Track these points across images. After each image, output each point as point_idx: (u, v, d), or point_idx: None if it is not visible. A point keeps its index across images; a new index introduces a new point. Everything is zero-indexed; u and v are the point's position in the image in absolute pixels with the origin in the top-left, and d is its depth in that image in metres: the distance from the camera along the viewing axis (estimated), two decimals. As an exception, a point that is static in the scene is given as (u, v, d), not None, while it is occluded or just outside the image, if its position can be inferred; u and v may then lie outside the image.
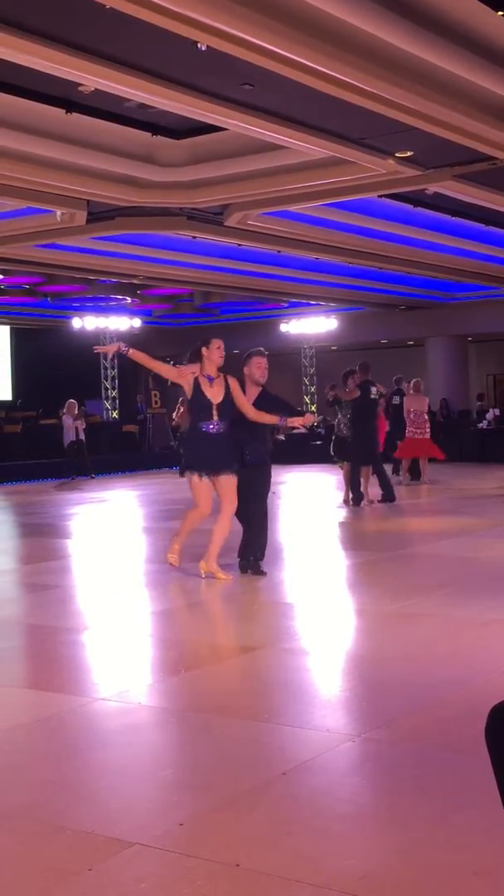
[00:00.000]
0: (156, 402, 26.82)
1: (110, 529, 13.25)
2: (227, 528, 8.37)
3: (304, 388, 30.23)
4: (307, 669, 5.67)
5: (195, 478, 8.42)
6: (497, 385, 30.91)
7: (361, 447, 14.15)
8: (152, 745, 4.48)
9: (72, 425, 21.56)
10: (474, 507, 13.68)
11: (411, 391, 17.81)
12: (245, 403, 8.46)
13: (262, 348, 9.27)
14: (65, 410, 21.86)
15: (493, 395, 30.01)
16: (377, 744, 4.23)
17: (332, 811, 3.54)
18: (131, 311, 26.32)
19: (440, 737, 4.28)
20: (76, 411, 21.79)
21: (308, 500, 16.50)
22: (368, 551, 10.09)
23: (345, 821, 3.47)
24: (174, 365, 9.18)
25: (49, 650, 6.28)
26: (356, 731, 4.37)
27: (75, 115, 10.07)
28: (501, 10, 7.90)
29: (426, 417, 17.58)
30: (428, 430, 17.56)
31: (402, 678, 5.34)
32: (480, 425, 24.41)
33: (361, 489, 14.16)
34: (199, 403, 8.36)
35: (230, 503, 8.32)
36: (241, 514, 8.59)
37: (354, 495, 14.13)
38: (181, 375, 8.54)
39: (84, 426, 21.91)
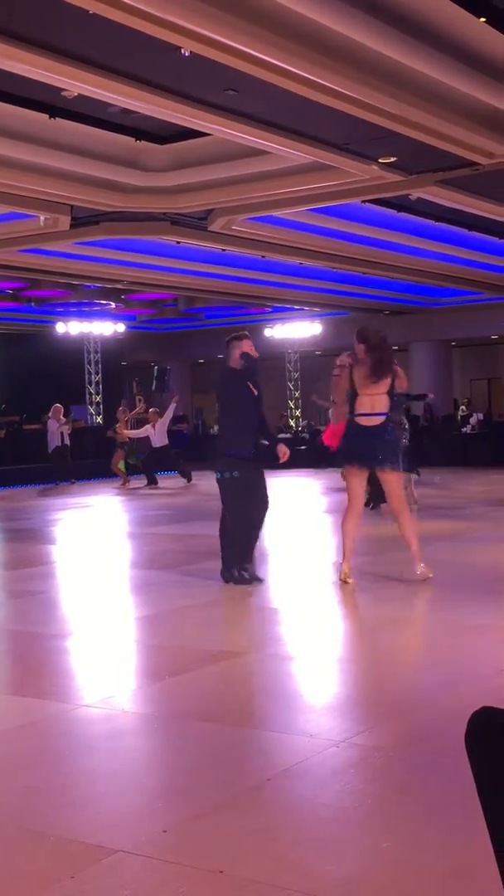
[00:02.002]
0: (140, 407, 26.78)
1: (94, 535, 13.22)
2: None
3: (288, 392, 30.25)
4: (292, 675, 5.67)
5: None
6: (473, 388, 31.00)
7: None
8: (136, 752, 4.47)
9: (57, 430, 21.48)
10: (459, 512, 13.71)
11: None
12: None
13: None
14: (50, 415, 21.77)
15: (485, 399, 30.11)
16: (361, 749, 4.23)
17: (316, 817, 3.54)
18: (115, 316, 26.31)
19: (424, 741, 4.28)
20: (62, 416, 21.71)
21: (294, 505, 16.49)
22: (353, 556, 10.08)
23: (329, 826, 3.47)
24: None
25: (33, 656, 6.26)
26: (340, 737, 4.36)
27: (59, 119, 10.07)
28: (484, 17, 7.95)
29: None
30: None
31: (387, 683, 5.34)
32: (464, 429, 24.49)
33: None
34: None
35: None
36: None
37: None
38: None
39: (70, 430, 21.84)
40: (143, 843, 3.34)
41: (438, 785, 3.72)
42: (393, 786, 3.81)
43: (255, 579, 8.24)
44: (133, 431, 20.93)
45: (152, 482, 20.43)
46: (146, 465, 20.76)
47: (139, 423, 21.68)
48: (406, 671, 5.61)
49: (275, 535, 12.90)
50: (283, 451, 8.43)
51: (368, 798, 3.72)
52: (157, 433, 20.42)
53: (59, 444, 21.53)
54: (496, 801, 1.29)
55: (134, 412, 22.02)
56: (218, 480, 8.25)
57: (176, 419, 24.10)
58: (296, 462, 25.94)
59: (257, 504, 8.22)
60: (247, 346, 8.23)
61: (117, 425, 21.27)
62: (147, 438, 20.69)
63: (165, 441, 20.55)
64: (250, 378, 8.22)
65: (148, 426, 20.60)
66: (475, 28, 8.15)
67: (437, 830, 3.35)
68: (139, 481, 20.88)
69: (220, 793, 3.79)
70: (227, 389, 8.25)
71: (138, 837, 3.39)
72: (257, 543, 8.54)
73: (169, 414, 20.70)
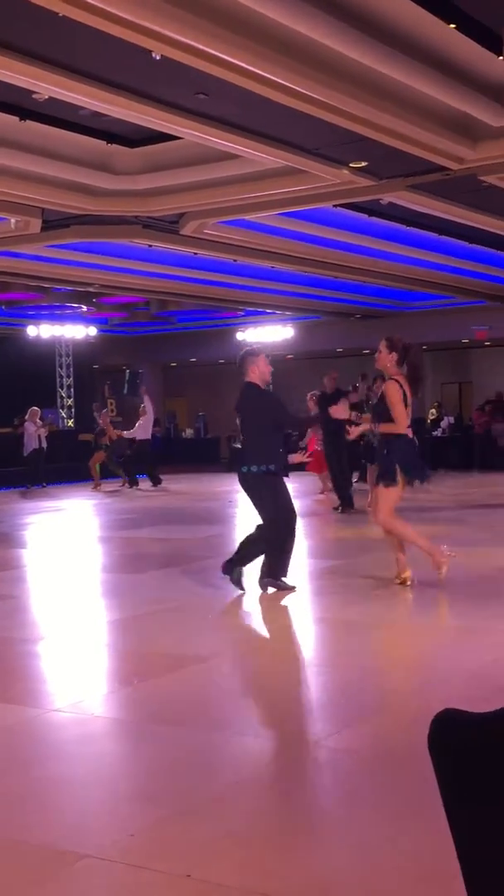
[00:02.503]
0: (112, 411, 26.71)
1: (66, 539, 13.17)
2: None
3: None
4: (263, 678, 5.67)
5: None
6: (444, 391, 31.13)
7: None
8: (105, 756, 4.46)
9: (35, 433, 21.39)
10: (433, 515, 13.76)
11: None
12: None
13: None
14: (27, 417, 21.67)
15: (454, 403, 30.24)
16: (331, 752, 4.24)
17: (284, 820, 3.55)
18: (87, 320, 26.23)
19: (394, 744, 4.29)
20: (38, 419, 21.64)
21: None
22: (328, 559, 10.12)
23: (297, 829, 3.47)
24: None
25: (3, 661, 6.23)
26: (312, 739, 4.37)
27: (29, 122, 10.03)
28: (454, 24, 8.00)
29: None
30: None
31: (359, 685, 5.36)
32: (435, 433, 24.59)
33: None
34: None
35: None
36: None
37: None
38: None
39: (46, 433, 21.77)
40: (111, 848, 3.33)
41: (407, 787, 3.73)
42: (363, 788, 3.83)
43: (288, 587, 8.03)
44: (128, 431, 21.10)
45: (134, 483, 20.68)
46: (128, 463, 21.00)
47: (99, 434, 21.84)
48: (379, 674, 5.63)
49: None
50: (296, 458, 8.58)
51: (339, 801, 3.73)
52: (143, 426, 20.77)
53: (37, 446, 21.45)
54: (457, 802, 1.30)
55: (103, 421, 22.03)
56: (248, 475, 8.00)
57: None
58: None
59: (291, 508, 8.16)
60: (262, 363, 8.17)
61: (105, 426, 21.36)
62: (125, 439, 20.94)
63: (148, 435, 20.88)
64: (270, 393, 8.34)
65: (138, 422, 20.88)
66: (445, 34, 8.20)
67: (406, 832, 3.36)
68: (111, 485, 20.86)
69: (188, 796, 3.79)
70: (252, 404, 8.14)
71: (105, 842, 3.39)
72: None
73: (150, 406, 20.97)
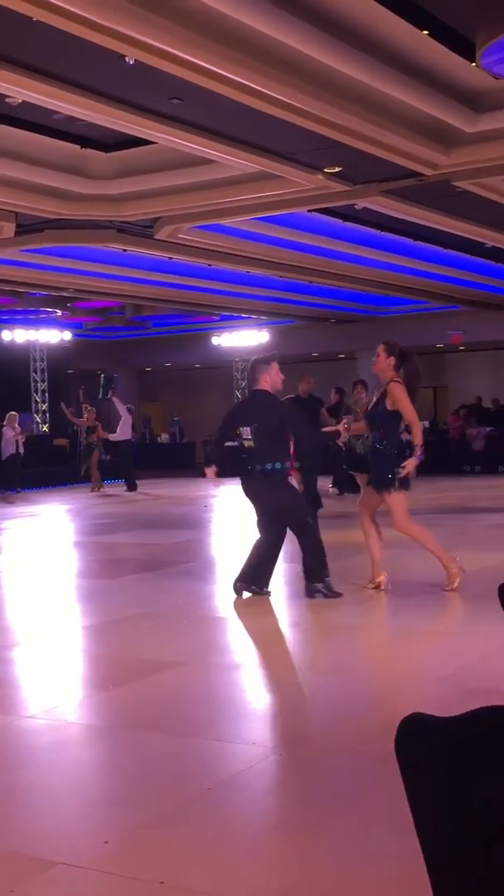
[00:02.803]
0: (88, 415, 26.65)
1: (42, 544, 13.12)
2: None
3: (235, 400, 30.27)
4: (236, 684, 5.66)
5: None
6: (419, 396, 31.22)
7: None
8: (79, 763, 4.44)
9: (12, 438, 21.32)
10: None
11: None
12: None
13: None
14: (5, 423, 21.60)
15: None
16: (303, 757, 4.24)
17: (256, 825, 3.54)
18: (62, 324, 26.15)
19: (365, 748, 4.29)
20: (16, 423, 21.56)
21: (241, 514, 16.51)
22: (298, 564, 10.11)
23: (269, 835, 3.47)
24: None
25: (-25, 667, 6.19)
26: (282, 745, 4.37)
27: (3, 126, 10.00)
28: (427, 30, 8.04)
29: None
30: None
31: (330, 691, 5.36)
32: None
33: None
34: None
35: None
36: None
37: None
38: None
39: (24, 439, 21.71)
40: (84, 855, 3.31)
41: (377, 792, 3.73)
42: (333, 793, 3.83)
43: (334, 593, 7.86)
44: (112, 435, 21.17)
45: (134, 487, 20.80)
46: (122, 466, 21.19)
47: (89, 433, 21.83)
48: (350, 679, 5.63)
49: (222, 544, 12.91)
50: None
51: (312, 806, 3.73)
52: (123, 428, 20.97)
53: (14, 451, 21.36)
54: (423, 806, 1.30)
55: (82, 421, 22.01)
56: (267, 473, 7.91)
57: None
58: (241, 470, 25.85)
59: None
60: (274, 371, 8.09)
61: (90, 426, 21.43)
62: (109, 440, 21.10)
63: (128, 436, 21.10)
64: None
65: (121, 422, 21.01)
66: (419, 41, 8.24)
67: (376, 838, 3.37)
68: (112, 487, 20.97)
69: (161, 803, 3.77)
70: (269, 412, 8.04)
71: (79, 849, 3.37)
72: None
73: (121, 409, 21.07)
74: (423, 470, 22.03)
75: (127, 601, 8.19)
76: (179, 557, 10.65)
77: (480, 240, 16.10)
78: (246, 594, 7.97)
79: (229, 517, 16.18)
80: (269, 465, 7.86)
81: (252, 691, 5.55)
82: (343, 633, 6.97)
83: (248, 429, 7.95)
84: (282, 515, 8.03)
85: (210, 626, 7.27)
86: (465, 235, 15.65)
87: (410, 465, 7.75)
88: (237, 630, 7.16)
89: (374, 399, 8.09)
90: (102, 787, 4.09)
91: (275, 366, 8.10)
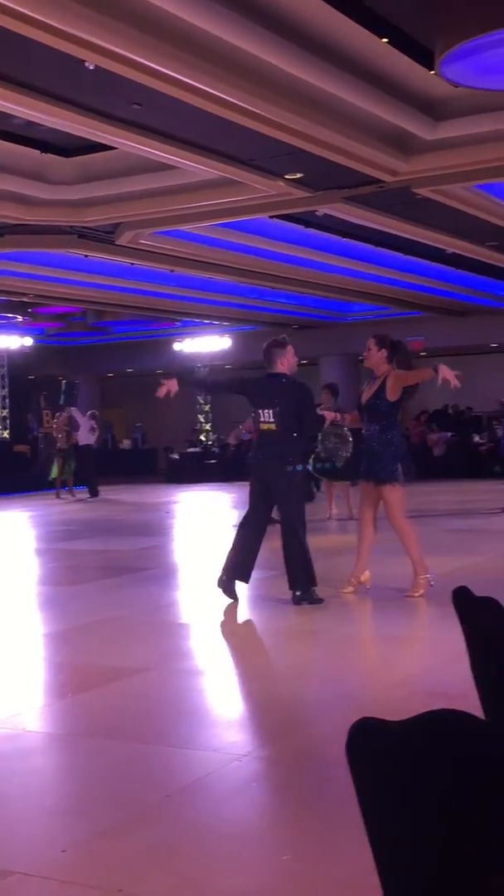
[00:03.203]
0: (47, 422, 26.55)
1: (1, 551, 13.02)
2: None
3: (198, 406, 30.26)
4: (197, 690, 5.65)
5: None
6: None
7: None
8: (37, 771, 4.41)
9: None
10: (339, 527, 13.84)
11: None
12: None
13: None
14: None
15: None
16: (263, 762, 4.24)
17: (216, 832, 3.53)
18: (22, 330, 26.03)
19: (325, 753, 4.30)
20: None
21: (206, 519, 16.49)
22: (264, 569, 10.12)
23: (229, 841, 3.46)
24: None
25: None
26: (243, 751, 4.37)
27: (-38, 131, 9.95)
28: (386, 38, 8.09)
29: None
30: None
31: (292, 695, 5.37)
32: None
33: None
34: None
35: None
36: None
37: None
38: None
39: None
40: (42, 864, 3.29)
41: (337, 796, 3.73)
42: (293, 798, 3.83)
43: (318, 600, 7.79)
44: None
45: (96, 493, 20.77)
46: (84, 471, 21.10)
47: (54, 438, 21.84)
48: (311, 683, 5.64)
49: (184, 550, 12.89)
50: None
51: (269, 811, 3.73)
52: (83, 433, 21.03)
53: None
54: (373, 811, 1.31)
55: (58, 426, 21.92)
56: (288, 474, 7.74)
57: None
58: (206, 476, 26.00)
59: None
60: (290, 354, 7.96)
61: (62, 432, 21.37)
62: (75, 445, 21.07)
63: (90, 441, 21.13)
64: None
65: (80, 429, 20.98)
66: (378, 49, 8.30)
67: (335, 842, 3.37)
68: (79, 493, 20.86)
69: (120, 810, 3.76)
70: (294, 394, 7.91)
71: (36, 858, 3.34)
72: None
73: (77, 415, 21.07)
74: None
75: (88, 608, 8.15)
76: (141, 563, 10.62)
77: (441, 246, 16.23)
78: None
79: (191, 523, 16.15)
80: (290, 452, 7.74)
81: (214, 697, 5.54)
82: (307, 637, 6.98)
83: (270, 412, 7.83)
84: (285, 511, 7.84)
85: (172, 632, 7.25)
86: (426, 242, 15.76)
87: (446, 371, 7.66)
88: (200, 636, 7.14)
89: (373, 391, 7.96)
90: (61, 796, 4.07)
91: (290, 348, 8.00)
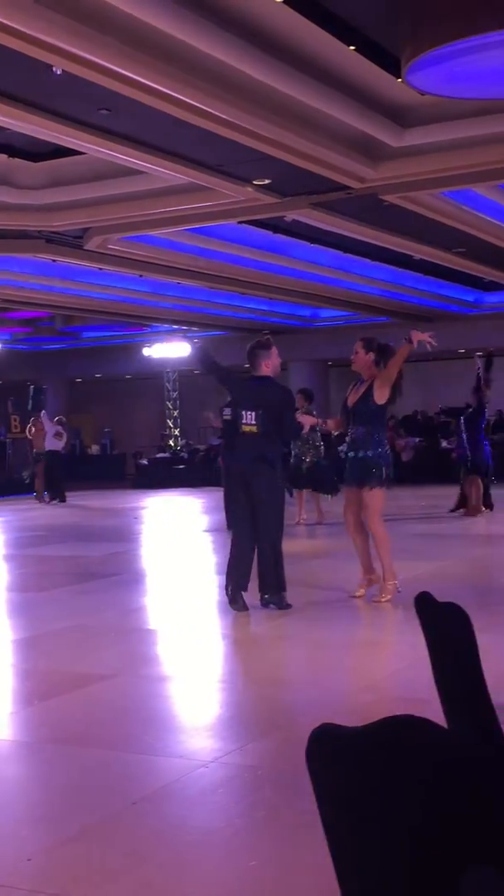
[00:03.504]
0: (15, 427, 26.42)
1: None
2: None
3: (167, 412, 30.21)
4: (164, 696, 5.64)
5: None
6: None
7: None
8: (3, 779, 4.38)
9: None
10: (333, 531, 13.87)
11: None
12: None
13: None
14: None
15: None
16: (231, 768, 4.24)
17: (183, 839, 3.53)
18: (-10, 334, 25.90)
19: (290, 759, 4.29)
20: None
21: (175, 524, 16.47)
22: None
23: (196, 848, 3.46)
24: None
25: None
26: (210, 757, 4.37)
27: None
28: (353, 46, 8.13)
29: None
30: None
31: (260, 701, 5.37)
32: (340, 449, 24.83)
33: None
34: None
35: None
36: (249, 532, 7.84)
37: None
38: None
39: None
40: (7, 873, 3.27)
41: (304, 802, 3.74)
42: (260, 804, 3.83)
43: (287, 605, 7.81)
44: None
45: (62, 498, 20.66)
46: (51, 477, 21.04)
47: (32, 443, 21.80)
48: (279, 689, 5.64)
49: (152, 555, 12.86)
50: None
51: (236, 817, 3.73)
52: (50, 438, 21.00)
53: None
54: (332, 816, 1.32)
55: (36, 431, 21.83)
56: (270, 463, 7.71)
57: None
58: (175, 481, 25.92)
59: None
60: (275, 355, 7.92)
61: (40, 437, 21.31)
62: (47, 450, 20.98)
63: (57, 447, 21.09)
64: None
65: (46, 434, 20.94)
66: (346, 56, 8.33)
67: (302, 848, 3.38)
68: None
69: (86, 818, 3.75)
70: (277, 396, 7.91)
71: (2, 867, 3.33)
72: None
73: (45, 420, 20.99)
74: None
75: (56, 614, 8.11)
76: (109, 569, 10.59)
77: (408, 252, 16.31)
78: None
79: (159, 528, 16.12)
80: (270, 455, 7.72)
81: (181, 703, 5.53)
82: (275, 642, 6.99)
83: (252, 413, 7.79)
84: (263, 514, 7.75)
85: (140, 638, 7.24)
86: (394, 248, 15.83)
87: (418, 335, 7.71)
88: (167, 642, 7.13)
89: (360, 394, 7.96)
90: (26, 803, 4.05)
91: (275, 350, 7.98)
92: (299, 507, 14.37)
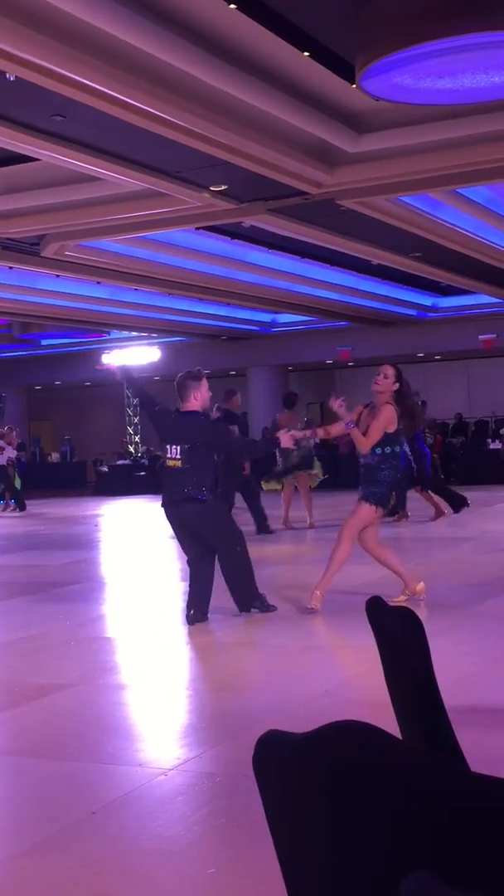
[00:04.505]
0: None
1: None
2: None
3: (127, 419, 30.13)
4: (123, 704, 5.61)
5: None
6: (309, 411, 31.56)
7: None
8: (-41, 791, 4.33)
9: None
10: (292, 536, 13.90)
11: None
12: None
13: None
14: None
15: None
16: (189, 776, 4.22)
17: (141, 848, 3.51)
18: None
19: (249, 766, 4.29)
20: None
21: (134, 532, 16.41)
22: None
23: (154, 856, 3.44)
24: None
25: None
26: (169, 765, 4.34)
27: None
28: (307, 52, 8.16)
29: None
30: None
31: (219, 708, 5.35)
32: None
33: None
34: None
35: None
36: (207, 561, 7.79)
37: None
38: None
39: None
40: (-38, 887, 3.23)
41: (261, 810, 3.73)
42: (219, 812, 3.81)
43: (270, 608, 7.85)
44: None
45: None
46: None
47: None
48: (239, 695, 5.63)
49: (111, 564, 12.80)
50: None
51: (195, 825, 3.71)
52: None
53: None
54: (276, 824, 1.31)
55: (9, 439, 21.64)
56: (203, 501, 7.62)
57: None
58: (135, 488, 25.81)
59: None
60: (205, 388, 7.73)
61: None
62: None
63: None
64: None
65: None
66: (300, 62, 8.36)
67: (260, 854, 3.35)
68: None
69: (43, 829, 3.71)
70: (208, 435, 7.81)
71: (-43, 881, 3.29)
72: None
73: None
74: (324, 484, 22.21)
75: (11, 624, 8.04)
76: (67, 578, 10.52)
77: (366, 257, 16.38)
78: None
79: (119, 536, 16.06)
80: (202, 494, 7.55)
81: (139, 712, 5.50)
82: (236, 649, 6.97)
83: (177, 448, 7.64)
84: (216, 542, 7.71)
85: (98, 647, 7.19)
86: (351, 253, 15.90)
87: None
88: (126, 650, 7.09)
89: (368, 413, 7.87)
90: (-17, 816, 4.00)
91: (205, 382, 7.79)
92: (286, 512, 14.33)
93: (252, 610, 7.76)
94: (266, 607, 7.79)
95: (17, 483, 20.91)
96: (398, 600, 7.80)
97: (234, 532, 7.80)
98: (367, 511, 7.69)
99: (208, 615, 7.68)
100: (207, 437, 7.75)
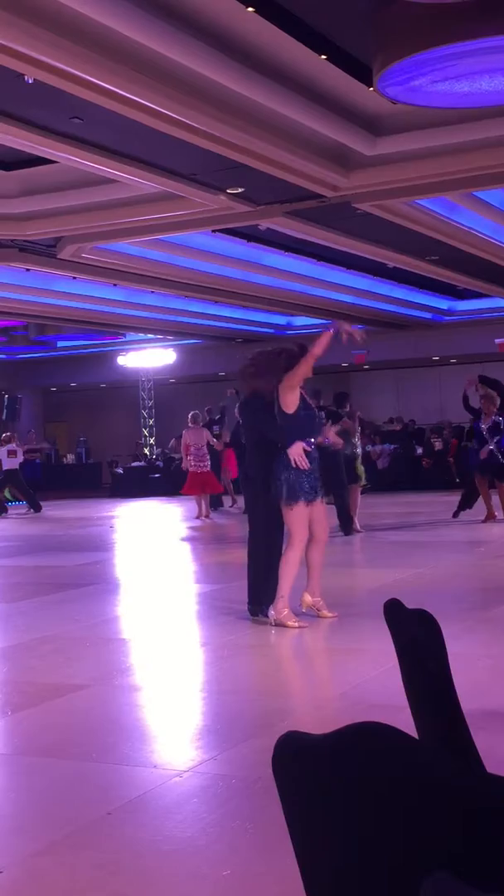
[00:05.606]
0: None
1: None
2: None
3: (142, 420, 30.17)
4: (138, 705, 5.62)
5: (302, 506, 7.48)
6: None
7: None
8: (-24, 791, 4.35)
9: None
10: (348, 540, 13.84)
11: (190, 424, 17.78)
12: None
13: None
14: None
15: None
16: (205, 778, 4.22)
17: (156, 849, 3.51)
18: (-36, 344, 25.80)
19: (264, 768, 4.28)
20: None
21: (150, 533, 16.43)
22: (209, 583, 10.12)
23: (169, 858, 3.44)
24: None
25: None
26: (184, 767, 4.35)
27: None
28: (325, 55, 8.16)
29: (206, 451, 17.59)
30: (208, 463, 17.55)
31: (234, 710, 5.36)
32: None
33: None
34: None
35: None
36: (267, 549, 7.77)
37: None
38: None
39: None
40: (-22, 886, 3.25)
41: (279, 811, 3.73)
42: (234, 814, 3.82)
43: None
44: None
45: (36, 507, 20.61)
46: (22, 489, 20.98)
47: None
48: (254, 698, 5.63)
49: (126, 565, 12.83)
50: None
51: (210, 827, 3.71)
52: (5, 458, 20.87)
53: None
54: (296, 825, 1.31)
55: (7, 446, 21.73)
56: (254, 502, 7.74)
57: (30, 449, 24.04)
58: (150, 489, 25.88)
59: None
60: None
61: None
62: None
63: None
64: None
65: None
66: (317, 65, 8.36)
67: (276, 856, 3.36)
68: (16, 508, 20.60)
69: (59, 829, 3.72)
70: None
71: (-27, 880, 3.30)
72: None
73: None
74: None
75: (29, 625, 8.06)
76: (83, 579, 10.55)
77: (382, 260, 16.37)
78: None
79: (134, 538, 16.08)
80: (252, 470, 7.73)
81: (155, 713, 5.51)
82: (251, 651, 6.97)
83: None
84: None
85: (114, 648, 7.21)
86: (368, 256, 15.88)
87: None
88: (141, 651, 7.11)
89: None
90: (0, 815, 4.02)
91: None
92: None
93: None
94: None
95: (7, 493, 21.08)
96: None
97: (262, 525, 7.80)
98: (287, 514, 7.52)
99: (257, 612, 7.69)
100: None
